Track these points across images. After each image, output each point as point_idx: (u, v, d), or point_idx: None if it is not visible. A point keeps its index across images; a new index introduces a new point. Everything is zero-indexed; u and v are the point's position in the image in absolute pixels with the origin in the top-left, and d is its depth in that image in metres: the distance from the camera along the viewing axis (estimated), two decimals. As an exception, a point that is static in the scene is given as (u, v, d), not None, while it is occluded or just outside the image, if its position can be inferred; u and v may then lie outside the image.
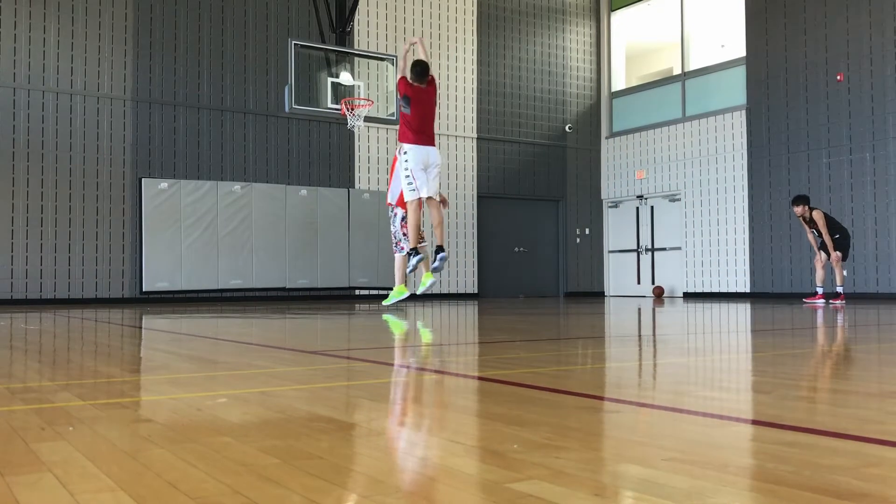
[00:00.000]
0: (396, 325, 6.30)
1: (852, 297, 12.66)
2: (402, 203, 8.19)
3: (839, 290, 10.80)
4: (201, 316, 8.05)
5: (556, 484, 1.26)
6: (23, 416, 2.00)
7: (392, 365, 3.37)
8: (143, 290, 12.09)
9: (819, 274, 10.96)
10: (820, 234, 10.79)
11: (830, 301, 10.66)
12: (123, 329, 5.92)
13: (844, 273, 11.36)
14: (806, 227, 11.09)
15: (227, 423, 1.84)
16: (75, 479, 1.33)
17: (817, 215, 10.73)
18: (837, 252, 10.72)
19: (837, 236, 10.82)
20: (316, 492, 1.23)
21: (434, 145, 7.84)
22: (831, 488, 1.22)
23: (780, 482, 1.26)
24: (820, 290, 10.90)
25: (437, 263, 7.80)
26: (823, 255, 10.87)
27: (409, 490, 1.25)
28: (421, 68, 7.73)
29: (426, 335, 5.32)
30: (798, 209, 10.87)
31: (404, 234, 8.38)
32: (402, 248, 8.44)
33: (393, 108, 12.52)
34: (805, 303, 10.73)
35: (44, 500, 1.21)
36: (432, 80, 7.88)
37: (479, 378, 2.81)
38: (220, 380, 2.80)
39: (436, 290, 14.78)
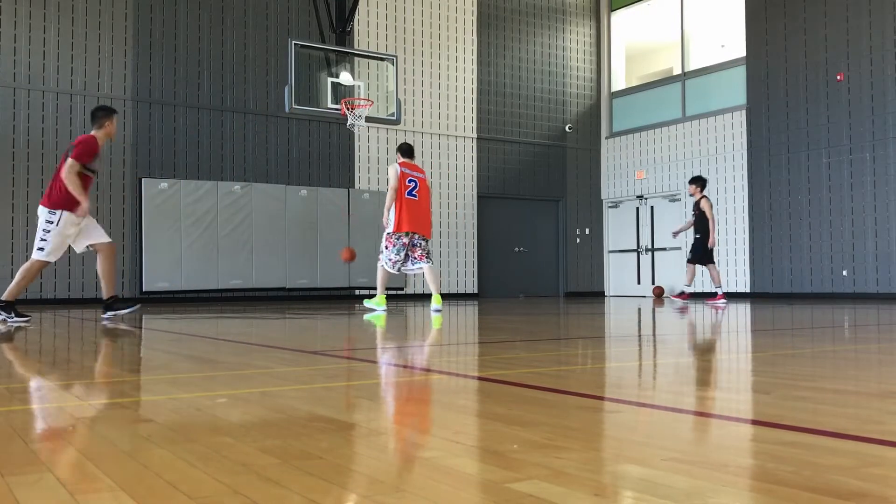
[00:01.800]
0: (381, 321, 6.30)
1: (853, 298, 12.66)
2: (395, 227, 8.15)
3: (687, 289, 11.22)
4: (201, 316, 8.05)
5: (556, 484, 1.26)
6: (23, 416, 2.00)
7: (392, 365, 3.37)
8: (143, 290, 12.08)
9: (713, 274, 11.25)
10: (696, 224, 11.09)
11: (673, 297, 11.02)
12: (123, 329, 5.91)
13: (694, 277, 11.63)
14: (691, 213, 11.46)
15: (227, 423, 1.84)
16: (75, 479, 1.33)
17: (706, 204, 10.99)
18: (691, 264, 11.22)
19: (699, 236, 11.10)
20: (316, 492, 1.23)
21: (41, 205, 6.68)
22: (831, 488, 1.22)
23: (780, 482, 1.26)
24: (719, 291, 11.15)
25: (106, 316, 6.90)
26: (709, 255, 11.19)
27: (409, 490, 1.25)
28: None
29: (426, 335, 5.32)
30: (691, 188, 11.19)
31: (385, 248, 8.28)
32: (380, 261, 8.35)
33: (393, 108, 12.52)
34: (707, 303, 10.86)
35: (44, 500, 1.21)
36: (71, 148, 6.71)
37: (479, 378, 2.81)
38: (220, 380, 2.80)
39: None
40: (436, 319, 7.02)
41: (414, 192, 8.22)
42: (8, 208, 11.35)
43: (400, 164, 8.34)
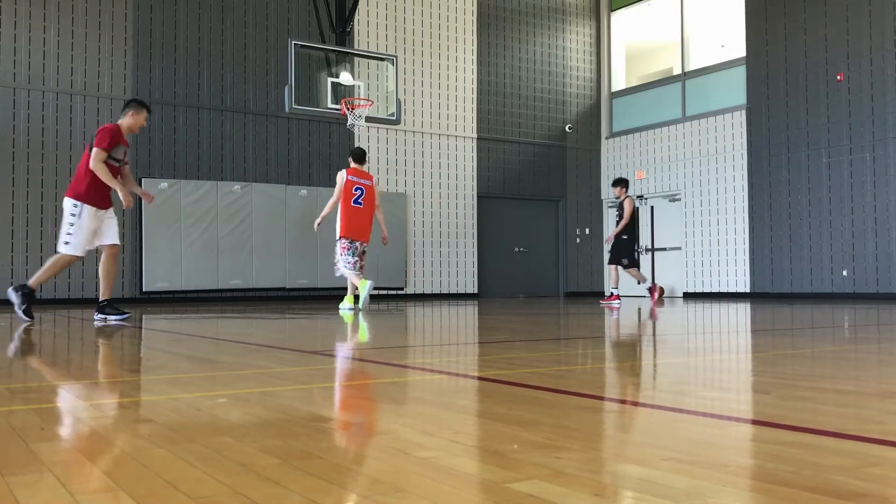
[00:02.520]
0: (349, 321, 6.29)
1: (853, 298, 12.66)
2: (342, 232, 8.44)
3: (614, 291, 11.11)
4: (201, 316, 8.05)
5: (556, 484, 1.26)
6: (23, 416, 2.00)
7: (392, 365, 3.37)
8: (143, 290, 12.08)
9: (614, 275, 11.26)
10: (618, 223, 11.09)
11: (601, 301, 10.82)
12: (123, 329, 5.91)
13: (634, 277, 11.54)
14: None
15: (227, 423, 1.84)
16: (75, 479, 1.33)
17: (628, 204, 11.00)
18: (613, 264, 11.19)
19: (626, 237, 11.09)
20: (316, 492, 1.23)
21: None
22: (831, 488, 1.22)
23: (780, 482, 1.26)
24: (615, 292, 11.08)
25: (97, 318, 6.77)
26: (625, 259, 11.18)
27: (409, 490, 1.25)
28: None
29: (425, 335, 5.32)
30: (616, 190, 11.22)
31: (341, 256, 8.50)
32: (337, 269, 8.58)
33: (393, 108, 12.52)
34: (601, 303, 10.77)
35: (44, 500, 1.21)
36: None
37: (479, 378, 2.81)
38: (220, 380, 2.80)
39: (436, 290, 14.78)
40: (349, 317, 7.28)
41: (360, 200, 8.53)
42: (8, 208, 11.34)
43: (349, 170, 8.59)
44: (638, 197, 16.38)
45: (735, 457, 1.53)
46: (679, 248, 15.57)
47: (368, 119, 12.15)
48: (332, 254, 13.45)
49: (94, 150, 6.40)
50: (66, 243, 6.45)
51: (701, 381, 2.81)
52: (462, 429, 1.83)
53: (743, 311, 8.62)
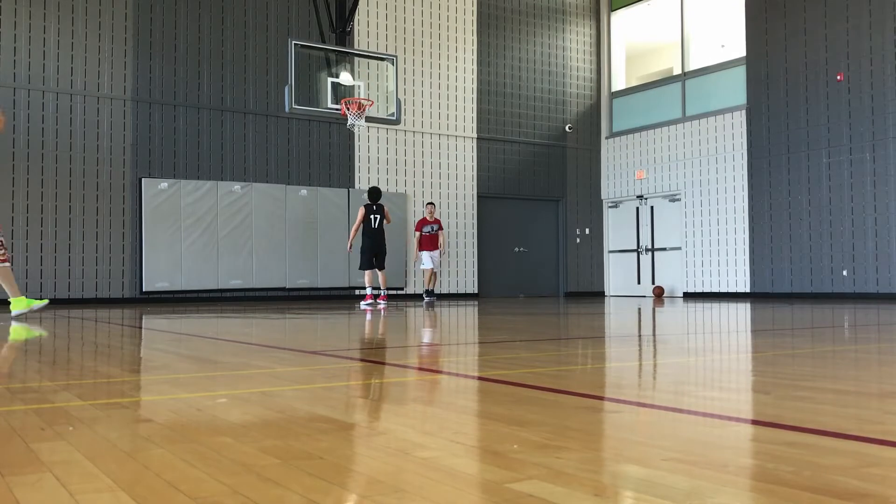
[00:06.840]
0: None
1: (853, 298, 12.66)
2: None
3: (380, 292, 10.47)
4: (201, 316, 8.05)
5: (556, 484, 1.26)
6: (23, 416, 2.00)
7: (392, 365, 3.37)
8: (143, 290, 12.08)
9: (384, 278, 10.51)
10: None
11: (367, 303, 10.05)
12: (123, 329, 5.91)
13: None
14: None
15: (227, 423, 1.84)
16: (75, 479, 1.33)
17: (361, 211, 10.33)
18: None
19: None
20: (316, 492, 1.23)
21: None
22: (831, 488, 1.22)
23: (780, 482, 1.26)
24: (383, 292, 10.39)
25: None
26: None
27: (409, 490, 1.25)
28: None
29: (426, 335, 5.32)
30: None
31: None
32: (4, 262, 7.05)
33: (393, 108, 12.51)
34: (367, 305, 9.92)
35: (44, 500, 1.21)
36: None
37: (479, 378, 2.81)
38: (220, 380, 2.80)
39: (436, 290, 14.79)
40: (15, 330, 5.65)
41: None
42: (8, 208, 11.34)
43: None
44: (638, 197, 16.39)
45: (735, 457, 1.53)
46: (679, 248, 15.56)
47: (368, 119, 12.14)
48: (333, 254, 13.47)
49: None
50: None
51: (701, 381, 2.81)
52: (462, 429, 1.83)
53: (743, 311, 8.62)
